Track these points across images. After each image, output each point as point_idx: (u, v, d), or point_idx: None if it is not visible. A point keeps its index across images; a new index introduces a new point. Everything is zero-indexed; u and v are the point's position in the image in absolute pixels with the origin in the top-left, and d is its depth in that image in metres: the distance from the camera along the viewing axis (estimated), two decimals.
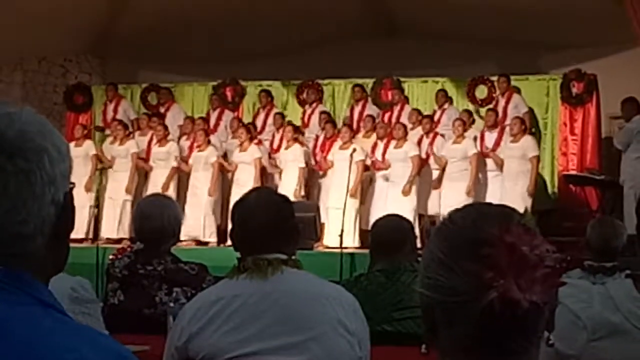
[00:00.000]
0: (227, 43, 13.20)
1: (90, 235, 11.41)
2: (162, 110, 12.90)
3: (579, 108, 11.74)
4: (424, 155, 11.05)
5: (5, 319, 1.11)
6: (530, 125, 11.33)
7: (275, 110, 12.44)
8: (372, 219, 7.63)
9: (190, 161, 11.54)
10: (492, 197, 10.40)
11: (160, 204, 4.08)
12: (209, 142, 11.49)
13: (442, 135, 11.26)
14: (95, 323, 3.23)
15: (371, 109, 12.26)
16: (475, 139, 11.01)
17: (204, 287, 3.47)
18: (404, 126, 11.06)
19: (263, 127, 12.38)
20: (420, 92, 12.65)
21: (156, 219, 3.93)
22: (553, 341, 1.34)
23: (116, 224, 11.43)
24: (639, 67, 11.62)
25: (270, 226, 2.73)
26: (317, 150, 11.70)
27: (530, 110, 11.76)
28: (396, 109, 12.04)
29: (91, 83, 14.11)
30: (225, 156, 11.77)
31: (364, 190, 11.15)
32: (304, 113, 12.55)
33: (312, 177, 11.67)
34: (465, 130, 10.87)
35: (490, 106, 11.74)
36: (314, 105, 12.43)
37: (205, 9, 12.59)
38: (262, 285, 2.63)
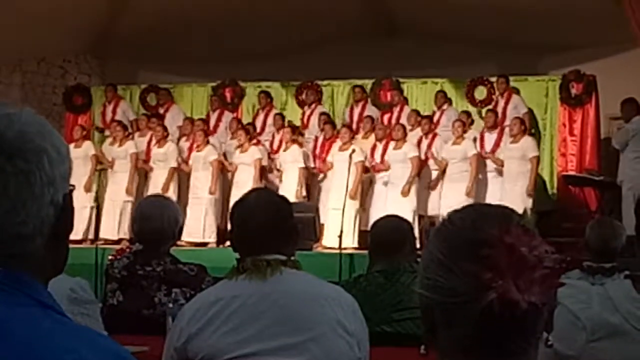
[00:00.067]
0: (226, 43, 13.20)
1: (90, 236, 11.41)
2: (161, 111, 12.89)
3: (578, 109, 11.74)
4: (423, 157, 11.05)
5: (5, 320, 1.11)
6: (530, 126, 11.33)
7: (274, 111, 12.44)
8: (372, 220, 7.62)
9: (190, 162, 11.55)
10: (492, 197, 10.40)
11: (160, 204, 4.08)
12: (207, 142, 11.50)
13: (439, 135, 11.26)
14: (94, 324, 3.23)
15: (371, 110, 12.26)
16: (475, 140, 11.02)
17: (203, 288, 3.47)
18: (404, 127, 11.05)
19: (263, 128, 12.38)
20: (419, 92, 12.65)
21: (156, 220, 3.93)
22: (552, 342, 1.34)
23: (116, 225, 11.43)
24: (638, 68, 11.62)
25: (269, 226, 2.73)
26: (317, 151, 11.70)
27: (530, 111, 11.76)
28: (396, 110, 12.04)
29: (90, 84, 14.11)
30: (224, 157, 11.76)
31: (364, 192, 11.15)
32: (303, 114, 12.55)
33: (311, 178, 11.67)
34: (465, 131, 10.88)
35: (490, 107, 11.74)
36: (313, 106, 12.43)
37: (205, 9, 12.59)
38: (261, 286, 2.63)
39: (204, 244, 11.09)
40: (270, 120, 12.34)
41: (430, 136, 11.18)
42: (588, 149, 11.65)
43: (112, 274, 3.94)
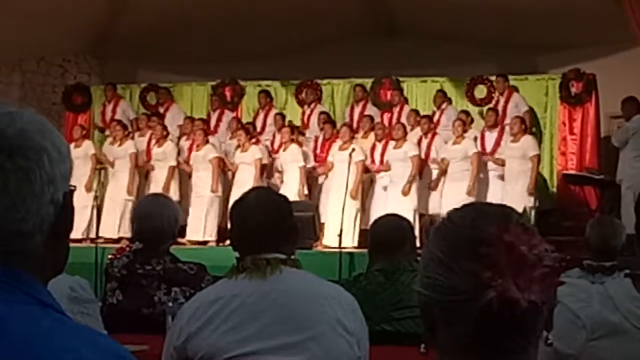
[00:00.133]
0: (226, 43, 13.19)
1: (90, 235, 11.40)
2: (161, 110, 12.88)
3: (578, 107, 11.74)
4: (423, 156, 11.04)
5: (4, 319, 1.11)
6: (530, 125, 11.33)
7: (274, 111, 12.43)
8: (372, 219, 7.62)
9: (191, 162, 11.55)
10: (493, 196, 10.40)
11: (159, 203, 4.08)
12: (207, 141, 11.50)
13: (439, 135, 11.25)
14: (93, 323, 3.23)
15: (371, 110, 12.26)
16: (475, 139, 11.01)
17: (203, 287, 3.47)
18: (404, 126, 11.05)
19: (263, 128, 12.37)
20: (419, 92, 12.64)
21: (156, 218, 3.93)
22: (552, 340, 1.34)
23: (116, 224, 11.43)
24: (638, 67, 11.62)
25: (268, 225, 2.73)
26: (317, 150, 11.70)
27: (530, 110, 11.76)
28: (396, 110, 12.03)
29: (90, 83, 14.11)
30: (225, 156, 11.76)
31: (364, 191, 11.15)
32: (303, 113, 12.54)
33: (312, 178, 11.67)
34: (465, 130, 10.87)
35: (490, 105, 11.73)
36: (313, 105, 12.43)
37: (205, 9, 12.59)
38: (261, 285, 2.62)
39: (205, 243, 11.10)
40: (270, 120, 12.34)
41: (430, 135, 11.18)
42: (588, 148, 11.65)
43: (112, 272, 3.94)
